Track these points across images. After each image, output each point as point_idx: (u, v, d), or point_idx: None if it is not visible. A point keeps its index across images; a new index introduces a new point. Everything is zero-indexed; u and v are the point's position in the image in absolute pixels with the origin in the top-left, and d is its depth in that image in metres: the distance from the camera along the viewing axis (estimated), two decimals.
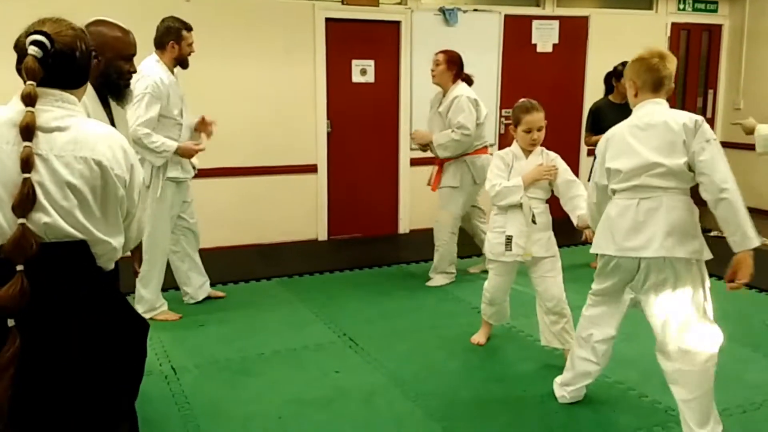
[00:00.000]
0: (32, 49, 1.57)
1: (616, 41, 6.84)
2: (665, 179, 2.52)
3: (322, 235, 6.12)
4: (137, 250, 2.87)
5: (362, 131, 6.12)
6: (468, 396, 3.13)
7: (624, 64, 5.11)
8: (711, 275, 2.59)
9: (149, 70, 3.82)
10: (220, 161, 5.45)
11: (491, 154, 4.58)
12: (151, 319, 3.98)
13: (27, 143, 1.53)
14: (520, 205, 3.32)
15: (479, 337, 3.74)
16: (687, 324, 2.53)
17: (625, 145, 2.61)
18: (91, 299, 1.63)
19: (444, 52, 4.63)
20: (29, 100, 1.55)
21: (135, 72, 2.69)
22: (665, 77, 2.61)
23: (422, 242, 4.70)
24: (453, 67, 4.59)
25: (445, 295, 4.57)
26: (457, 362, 3.51)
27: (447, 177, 4.67)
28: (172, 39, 3.90)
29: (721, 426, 2.57)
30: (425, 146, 4.76)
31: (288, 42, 5.71)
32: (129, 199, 1.72)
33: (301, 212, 5.98)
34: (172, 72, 3.95)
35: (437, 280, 4.77)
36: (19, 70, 1.62)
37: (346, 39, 5.94)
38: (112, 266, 1.72)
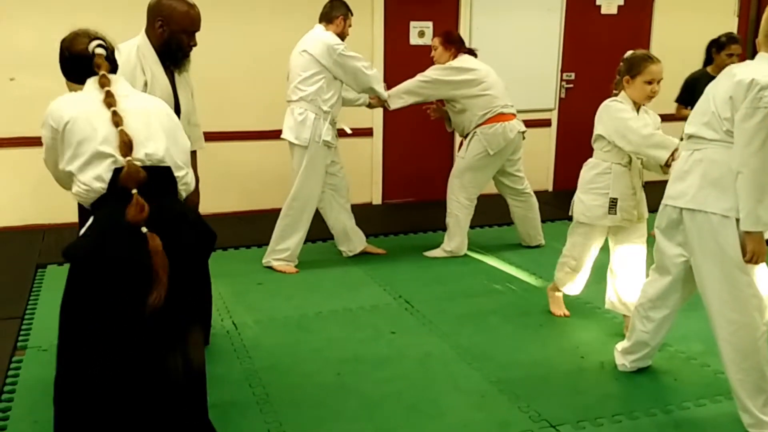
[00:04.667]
0: (99, 50, 2.14)
1: (683, 4, 6.57)
2: (712, 130, 2.42)
3: (377, 199, 6.14)
4: None
5: None
6: (524, 360, 3.13)
7: (727, 34, 4.86)
8: None
9: (324, 35, 4.14)
10: (275, 124, 5.49)
11: (512, 120, 4.45)
12: (269, 267, 4.35)
13: (114, 108, 2.04)
14: (627, 166, 3.17)
15: (558, 309, 3.61)
16: (722, 289, 2.45)
17: (709, 86, 2.54)
18: (182, 212, 2.12)
19: (439, 35, 4.57)
20: (105, 82, 2.10)
21: (195, 45, 2.88)
22: None
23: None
24: (450, 46, 4.48)
25: (501, 261, 4.54)
26: (513, 327, 3.50)
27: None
28: (342, 15, 4.21)
29: None
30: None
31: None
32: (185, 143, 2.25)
33: (356, 176, 5.96)
34: None
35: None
36: (64, 70, 2.22)
37: (404, 0, 5.86)
38: (184, 196, 2.20)
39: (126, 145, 1.99)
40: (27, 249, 4.61)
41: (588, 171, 3.30)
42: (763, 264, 2.50)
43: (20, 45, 4.88)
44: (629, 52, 3.18)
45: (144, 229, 1.92)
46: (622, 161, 3.18)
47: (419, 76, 4.48)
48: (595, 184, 3.23)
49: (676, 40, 6.47)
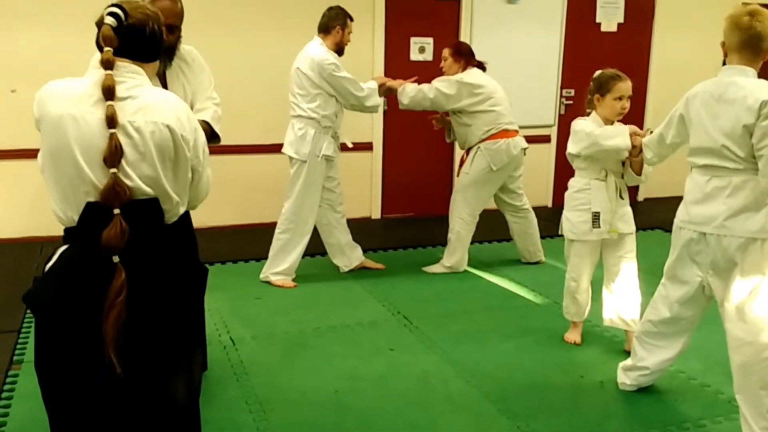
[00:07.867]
0: (108, 19, 1.71)
1: (684, 21, 6.60)
2: (735, 162, 2.41)
3: (376, 214, 6.13)
4: None
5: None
6: (523, 378, 3.11)
7: None
8: None
9: (316, 52, 4.11)
10: (273, 137, 5.49)
11: (514, 137, 4.47)
12: (267, 282, 4.31)
13: (110, 102, 1.67)
14: (605, 180, 3.22)
15: (574, 336, 3.50)
16: (737, 306, 2.46)
17: (698, 116, 2.51)
18: (166, 248, 1.80)
19: (449, 46, 4.59)
20: (108, 64, 1.69)
21: (172, 40, 2.69)
22: (753, 36, 2.37)
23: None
24: (459, 58, 4.49)
25: (500, 278, 4.53)
26: (512, 345, 3.48)
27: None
28: (339, 24, 4.16)
29: None
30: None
31: None
32: (195, 158, 1.85)
33: (355, 190, 5.97)
34: None
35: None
36: (98, 43, 1.76)
37: (405, 16, 5.88)
38: (174, 220, 1.86)
39: (114, 155, 1.65)
40: (24, 261, 4.59)
41: (569, 190, 3.37)
42: None
43: (22, 56, 4.90)
44: (597, 72, 3.27)
45: (116, 259, 1.66)
46: (599, 176, 3.22)
47: (436, 85, 4.46)
48: (577, 201, 3.29)
49: (676, 58, 6.51)
